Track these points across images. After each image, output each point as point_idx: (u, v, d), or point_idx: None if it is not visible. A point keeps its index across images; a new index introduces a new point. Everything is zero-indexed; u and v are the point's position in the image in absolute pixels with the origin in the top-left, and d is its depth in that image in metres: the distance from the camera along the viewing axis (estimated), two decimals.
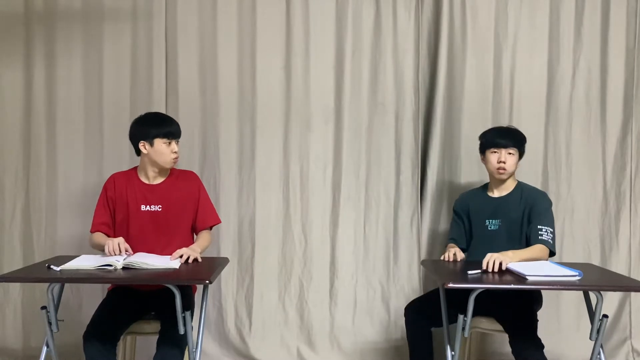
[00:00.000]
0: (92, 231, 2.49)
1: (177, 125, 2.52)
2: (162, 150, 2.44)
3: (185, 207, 2.54)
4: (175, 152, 2.48)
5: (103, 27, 3.04)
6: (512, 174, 2.59)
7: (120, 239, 2.30)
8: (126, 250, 2.28)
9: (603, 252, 3.10)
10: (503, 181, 2.59)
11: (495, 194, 2.62)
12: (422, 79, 3.09)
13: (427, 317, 2.50)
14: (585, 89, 3.07)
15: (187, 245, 2.45)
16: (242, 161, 3.08)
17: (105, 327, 2.26)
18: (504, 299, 2.38)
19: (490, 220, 2.58)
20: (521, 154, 2.61)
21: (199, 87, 3.06)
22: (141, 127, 2.48)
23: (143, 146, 2.45)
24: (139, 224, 2.47)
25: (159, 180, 2.53)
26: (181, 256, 2.31)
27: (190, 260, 2.32)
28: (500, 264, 2.20)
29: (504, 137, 2.58)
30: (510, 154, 2.54)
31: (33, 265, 2.42)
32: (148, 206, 2.48)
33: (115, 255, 2.23)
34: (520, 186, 2.61)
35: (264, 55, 3.05)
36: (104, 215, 2.50)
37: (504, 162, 2.53)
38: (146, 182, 2.51)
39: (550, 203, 2.54)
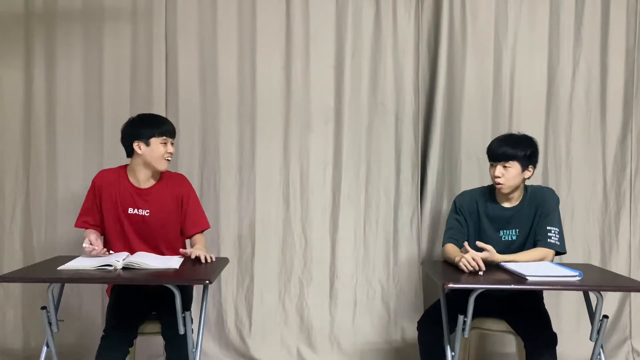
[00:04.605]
0: (85, 227, 2.46)
1: (173, 125, 2.50)
2: (158, 150, 2.40)
3: (173, 212, 2.51)
4: (170, 153, 2.44)
5: (103, 27, 3.04)
6: (515, 187, 2.43)
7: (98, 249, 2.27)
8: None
9: (603, 252, 3.10)
10: (509, 195, 2.46)
11: (506, 204, 2.48)
12: (422, 79, 3.09)
13: (440, 327, 2.37)
14: (585, 89, 3.07)
15: (173, 251, 2.48)
16: (242, 161, 3.08)
17: (122, 332, 2.26)
18: (512, 299, 2.38)
19: (505, 231, 2.47)
20: (526, 165, 2.40)
21: (199, 87, 3.06)
22: (136, 127, 2.42)
23: (138, 146, 2.39)
24: (124, 227, 2.43)
25: (150, 183, 2.48)
26: (197, 256, 2.33)
27: (209, 260, 2.35)
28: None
29: (498, 149, 2.42)
30: (506, 167, 2.38)
31: (33, 265, 2.43)
32: (136, 210, 2.44)
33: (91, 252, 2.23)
34: (527, 190, 2.49)
35: (264, 55, 3.05)
36: (90, 214, 2.47)
37: (499, 177, 2.39)
38: (136, 185, 2.46)
39: (557, 200, 2.47)
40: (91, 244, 2.25)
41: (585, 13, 3.05)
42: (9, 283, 3.02)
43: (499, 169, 2.40)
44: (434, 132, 3.08)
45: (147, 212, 2.44)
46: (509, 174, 2.39)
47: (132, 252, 2.39)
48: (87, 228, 2.46)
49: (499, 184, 2.41)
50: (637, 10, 3.06)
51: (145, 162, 2.43)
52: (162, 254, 2.46)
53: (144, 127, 2.41)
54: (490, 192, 2.53)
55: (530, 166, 2.43)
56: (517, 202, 2.48)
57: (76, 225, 2.49)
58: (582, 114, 3.08)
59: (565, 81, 3.07)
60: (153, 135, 2.39)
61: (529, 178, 2.47)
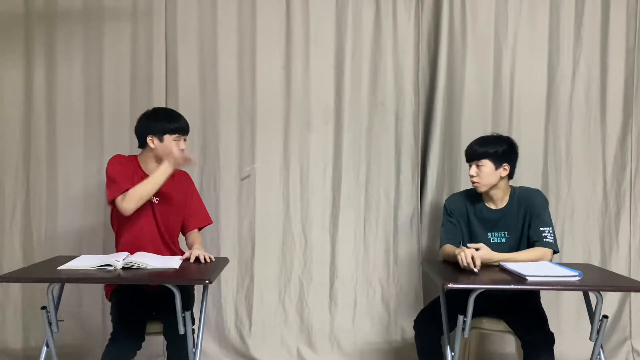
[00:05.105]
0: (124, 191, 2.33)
1: (186, 122, 2.51)
2: (170, 146, 2.41)
3: (179, 203, 2.54)
4: (182, 150, 2.45)
5: (103, 27, 3.04)
6: (492, 186, 2.47)
7: None
8: None
9: (603, 252, 3.10)
10: (490, 193, 2.49)
11: (492, 206, 2.52)
12: (422, 79, 3.09)
13: (437, 326, 2.39)
14: (585, 89, 3.07)
15: (173, 240, 2.51)
16: (242, 161, 3.08)
17: (130, 337, 2.24)
18: (510, 299, 2.38)
19: (493, 233, 2.50)
20: (499, 163, 2.44)
21: (199, 87, 3.06)
22: (151, 122, 2.44)
23: (151, 141, 2.42)
24: (135, 212, 2.40)
25: None
26: (197, 257, 2.34)
27: (208, 260, 2.35)
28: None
29: (470, 149, 2.51)
30: (479, 165, 2.44)
31: (33, 265, 2.42)
32: None
33: None
34: (514, 192, 2.52)
35: (264, 55, 3.05)
36: (128, 181, 2.37)
37: (473, 176, 2.46)
38: (148, 173, 2.46)
39: (546, 200, 2.49)
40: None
41: (585, 13, 3.05)
42: (9, 283, 3.02)
43: (473, 169, 2.48)
44: (434, 132, 3.08)
45: (156, 200, 2.46)
46: (483, 173, 2.45)
47: (142, 234, 2.41)
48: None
49: (474, 182, 2.48)
50: (637, 10, 3.06)
51: (157, 156, 2.46)
52: (167, 243, 2.48)
53: (159, 122, 2.43)
54: (478, 194, 2.56)
55: (504, 164, 2.46)
56: (504, 204, 2.51)
57: (117, 194, 2.32)
58: (582, 114, 3.08)
59: (565, 81, 3.07)
60: (167, 132, 2.42)
61: (508, 177, 2.50)
